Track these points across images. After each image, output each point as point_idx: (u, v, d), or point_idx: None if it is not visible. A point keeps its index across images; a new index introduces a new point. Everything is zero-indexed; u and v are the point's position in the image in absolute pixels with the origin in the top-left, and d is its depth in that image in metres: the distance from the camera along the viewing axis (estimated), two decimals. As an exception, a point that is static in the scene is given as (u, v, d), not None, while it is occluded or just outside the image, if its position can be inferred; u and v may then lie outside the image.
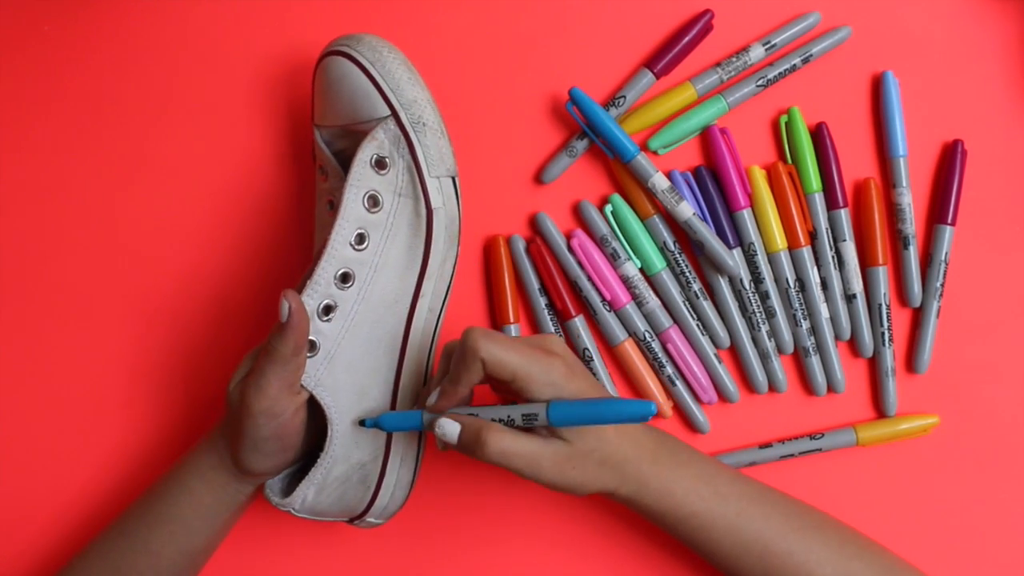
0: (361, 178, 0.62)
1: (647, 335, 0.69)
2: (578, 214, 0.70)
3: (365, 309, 0.62)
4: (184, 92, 0.71)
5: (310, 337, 0.61)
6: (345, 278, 0.62)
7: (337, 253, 0.61)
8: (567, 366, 0.58)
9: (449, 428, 0.58)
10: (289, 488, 0.64)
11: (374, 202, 0.62)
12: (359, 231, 0.62)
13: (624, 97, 0.69)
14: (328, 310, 0.61)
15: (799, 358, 0.70)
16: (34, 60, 0.71)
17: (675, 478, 0.61)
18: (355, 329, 0.62)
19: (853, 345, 0.70)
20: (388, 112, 0.63)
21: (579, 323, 0.70)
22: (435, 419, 0.59)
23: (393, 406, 0.64)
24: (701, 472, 0.62)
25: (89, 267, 0.71)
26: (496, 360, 0.57)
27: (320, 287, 0.61)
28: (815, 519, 0.64)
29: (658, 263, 0.69)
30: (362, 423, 0.62)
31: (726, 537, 0.62)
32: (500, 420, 0.58)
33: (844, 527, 0.65)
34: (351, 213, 0.62)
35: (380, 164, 0.63)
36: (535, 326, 0.70)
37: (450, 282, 0.66)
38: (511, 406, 0.58)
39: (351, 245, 0.62)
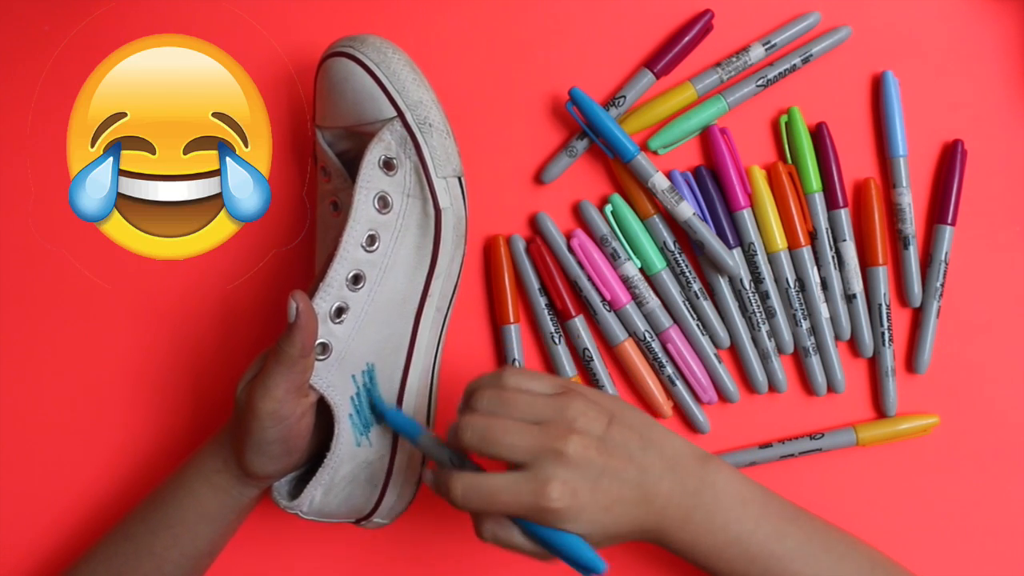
0: (370, 179, 0.62)
1: (647, 335, 0.69)
2: (578, 214, 0.70)
3: (374, 310, 0.62)
4: (182, 91, 0.71)
5: (323, 340, 0.61)
6: (356, 279, 0.61)
7: (348, 255, 0.61)
8: (569, 493, 0.54)
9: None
10: (296, 491, 0.63)
11: (384, 203, 0.62)
12: (370, 232, 0.62)
13: (624, 97, 0.69)
14: (340, 312, 0.61)
15: (799, 358, 0.71)
16: (34, 61, 0.71)
17: (703, 543, 0.58)
18: (364, 330, 0.62)
19: (853, 345, 0.70)
20: (394, 113, 0.63)
21: (579, 323, 0.70)
22: (429, 441, 0.59)
23: (400, 407, 0.64)
24: (735, 536, 0.58)
25: (94, 269, 0.71)
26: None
27: (333, 289, 0.61)
28: (849, 569, 0.61)
29: (658, 263, 0.69)
30: (372, 407, 0.63)
31: None
32: None
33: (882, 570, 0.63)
34: (362, 215, 0.61)
35: (388, 165, 0.62)
36: (535, 326, 0.70)
37: (457, 282, 0.66)
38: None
39: (362, 247, 0.61)
